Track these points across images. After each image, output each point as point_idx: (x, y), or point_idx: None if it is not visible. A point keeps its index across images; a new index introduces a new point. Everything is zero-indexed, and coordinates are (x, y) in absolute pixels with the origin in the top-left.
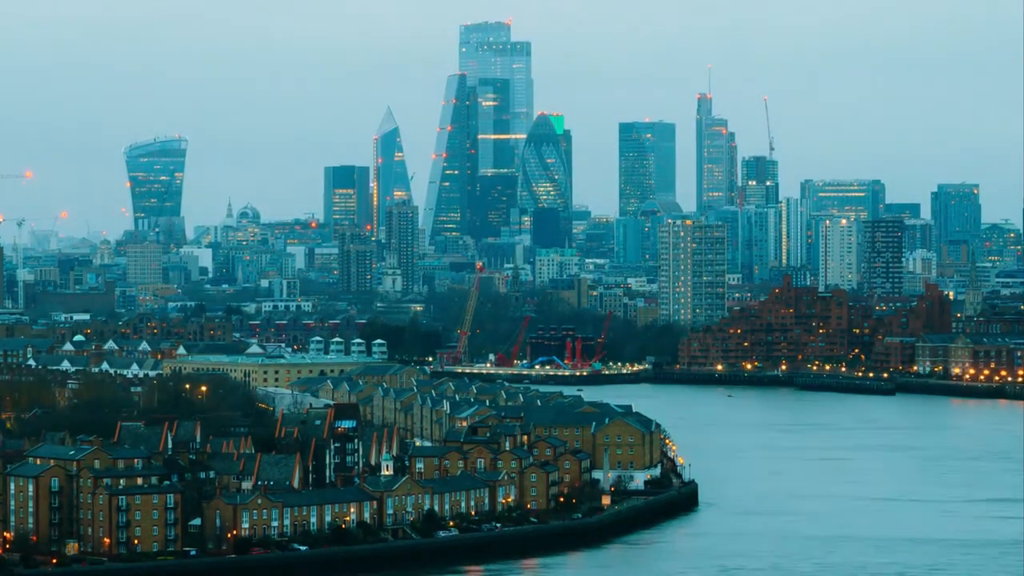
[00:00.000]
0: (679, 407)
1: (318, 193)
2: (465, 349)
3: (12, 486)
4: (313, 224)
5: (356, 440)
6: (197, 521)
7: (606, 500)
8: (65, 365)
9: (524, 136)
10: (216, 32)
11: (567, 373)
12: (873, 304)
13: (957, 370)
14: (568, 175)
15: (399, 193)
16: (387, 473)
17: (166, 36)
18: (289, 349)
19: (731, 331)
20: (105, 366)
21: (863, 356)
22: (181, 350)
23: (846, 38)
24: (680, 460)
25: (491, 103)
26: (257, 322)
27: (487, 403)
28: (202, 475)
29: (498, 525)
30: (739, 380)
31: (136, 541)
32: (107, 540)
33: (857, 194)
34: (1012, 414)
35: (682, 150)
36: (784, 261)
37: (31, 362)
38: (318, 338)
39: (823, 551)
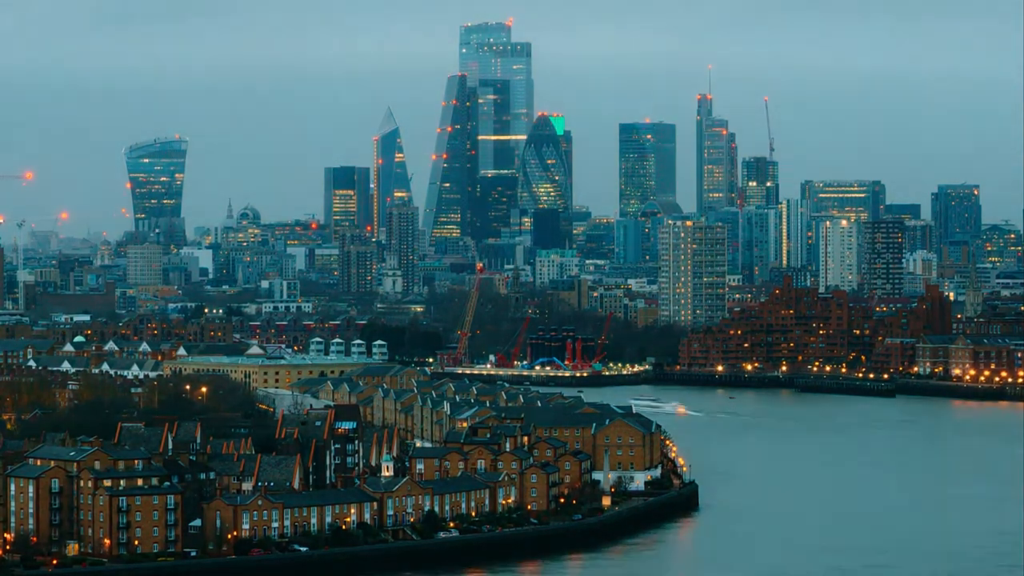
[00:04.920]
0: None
1: (318, 194)
2: (465, 350)
3: (12, 487)
4: (313, 225)
5: (356, 441)
6: (197, 522)
7: (606, 501)
8: (65, 366)
9: (524, 137)
10: (217, 32)
11: (567, 374)
12: (873, 305)
13: (957, 371)
14: (568, 176)
15: (399, 194)
16: (387, 474)
17: (167, 36)
18: (289, 350)
19: (731, 332)
20: (105, 367)
21: (863, 357)
22: (181, 351)
23: (846, 38)
24: (680, 461)
25: (491, 104)
26: (257, 323)
27: (487, 404)
28: (202, 476)
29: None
30: (739, 381)
31: (136, 542)
32: (107, 541)
33: (857, 195)
34: (1013, 416)
35: (682, 151)
36: (784, 262)
37: (31, 363)
38: (318, 339)
39: (823, 553)
